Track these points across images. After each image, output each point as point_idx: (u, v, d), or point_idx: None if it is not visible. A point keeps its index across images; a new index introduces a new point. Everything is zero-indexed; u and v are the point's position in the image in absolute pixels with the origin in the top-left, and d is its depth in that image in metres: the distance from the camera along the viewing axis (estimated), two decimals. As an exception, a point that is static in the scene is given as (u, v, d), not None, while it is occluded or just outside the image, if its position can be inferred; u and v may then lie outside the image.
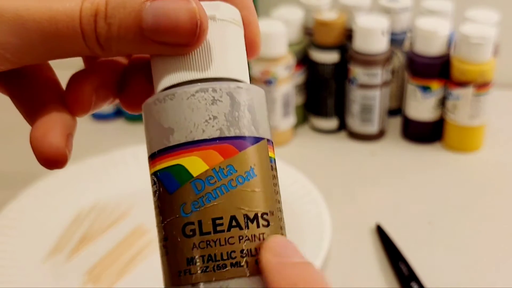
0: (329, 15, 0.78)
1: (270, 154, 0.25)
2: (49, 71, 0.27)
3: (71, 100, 0.26)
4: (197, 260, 0.23)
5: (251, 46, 0.27)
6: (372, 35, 0.74)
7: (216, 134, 0.23)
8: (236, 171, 0.24)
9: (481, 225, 0.66)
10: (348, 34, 0.79)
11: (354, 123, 0.80)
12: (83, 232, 0.66)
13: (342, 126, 0.83)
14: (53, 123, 0.26)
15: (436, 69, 0.74)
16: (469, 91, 0.73)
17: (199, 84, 0.24)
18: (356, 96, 0.78)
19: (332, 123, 0.83)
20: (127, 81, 0.27)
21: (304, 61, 0.81)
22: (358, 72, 0.76)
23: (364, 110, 0.78)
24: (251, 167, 0.24)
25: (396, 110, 0.86)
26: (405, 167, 0.76)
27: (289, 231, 0.68)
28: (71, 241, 0.65)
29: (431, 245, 0.63)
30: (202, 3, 0.24)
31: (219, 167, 0.23)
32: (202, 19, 0.23)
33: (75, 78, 0.26)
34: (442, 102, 0.77)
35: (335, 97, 0.81)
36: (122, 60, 0.27)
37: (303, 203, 0.66)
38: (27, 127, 0.90)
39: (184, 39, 0.23)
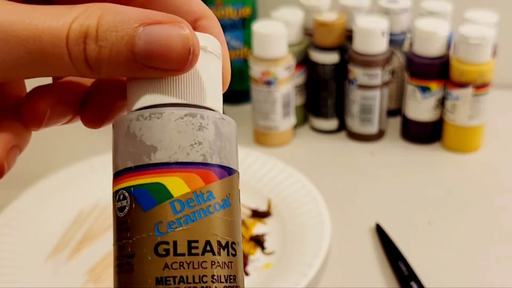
0: (329, 16, 0.78)
1: (239, 187, 0.26)
2: (15, 83, 0.27)
3: (24, 112, 0.26)
4: (168, 281, 0.23)
5: (226, 81, 0.27)
6: (372, 36, 0.75)
7: (200, 159, 0.24)
8: (215, 198, 0.24)
9: (480, 225, 0.66)
10: (348, 35, 0.79)
11: (354, 123, 0.80)
12: (84, 232, 0.66)
13: (342, 127, 0.84)
14: None
15: (436, 70, 0.75)
16: (468, 92, 0.73)
17: (187, 108, 0.24)
18: (356, 97, 0.78)
19: (332, 123, 0.83)
20: (90, 98, 0.27)
21: (304, 61, 0.81)
22: (358, 73, 0.76)
23: (363, 110, 0.79)
24: (227, 196, 0.24)
25: (395, 110, 0.86)
26: (405, 167, 0.77)
27: (289, 231, 0.69)
28: (72, 241, 0.65)
29: (430, 245, 0.64)
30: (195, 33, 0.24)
31: (200, 191, 0.23)
32: (195, 46, 0.23)
33: (34, 91, 0.26)
34: (442, 103, 0.77)
35: (335, 98, 0.81)
36: (87, 80, 0.27)
37: (303, 203, 0.67)
38: (29, 127, 0.87)
39: (176, 65, 0.23)
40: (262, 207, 0.68)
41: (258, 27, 0.76)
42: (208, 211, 0.23)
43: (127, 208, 0.24)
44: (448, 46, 0.76)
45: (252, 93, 0.79)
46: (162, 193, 0.23)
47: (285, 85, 0.77)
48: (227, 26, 0.86)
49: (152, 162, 0.23)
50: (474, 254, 0.62)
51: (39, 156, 0.81)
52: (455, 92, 0.74)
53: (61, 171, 0.73)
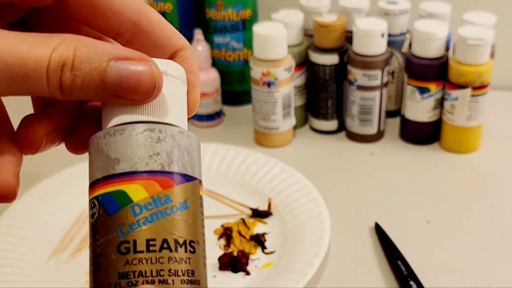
0: (328, 17, 0.79)
1: (201, 193, 0.28)
2: None
3: (22, 142, 0.28)
4: (129, 275, 0.26)
5: (192, 106, 0.30)
6: (371, 37, 0.75)
7: (158, 168, 0.26)
8: (172, 201, 0.26)
9: (479, 224, 0.67)
10: (348, 36, 0.79)
11: (354, 124, 0.81)
12: (85, 231, 0.66)
13: (342, 127, 0.84)
14: (5, 160, 0.27)
15: (434, 71, 0.75)
16: (467, 93, 0.74)
17: (147, 124, 0.27)
18: (356, 98, 0.79)
19: (332, 124, 0.84)
20: (75, 126, 0.29)
21: (304, 62, 0.82)
22: (357, 74, 0.77)
23: (363, 111, 0.79)
24: (185, 200, 0.27)
25: (395, 111, 0.86)
26: (404, 167, 0.77)
27: (290, 231, 0.69)
28: (74, 241, 0.65)
29: (429, 244, 0.64)
30: (157, 59, 0.27)
31: (158, 196, 0.26)
32: (159, 82, 0.26)
33: (28, 121, 0.28)
34: (440, 103, 0.78)
35: (335, 98, 0.82)
36: (72, 107, 0.29)
37: (303, 203, 0.67)
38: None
39: (142, 97, 0.26)
40: (263, 207, 0.69)
41: (259, 29, 0.76)
42: (166, 213, 0.26)
43: (96, 214, 0.27)
44: (447, 47, 0.76)
45: (252, 94, 0.79)
46: (124, 199, 0.26)
47: (285, 86, 0.77)
48: (228, 28, 0.86)
49: (116, 172, 0.26)
50: (472, 253, 0.63)
51: (40, 157, 0.82)
52: (454, 93, 0.75)
53: (63, 171, 0.73)
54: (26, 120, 0.28)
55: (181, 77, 0.29)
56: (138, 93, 0.26)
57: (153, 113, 0.27)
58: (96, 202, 0.27)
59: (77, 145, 0.29)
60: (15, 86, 0.24)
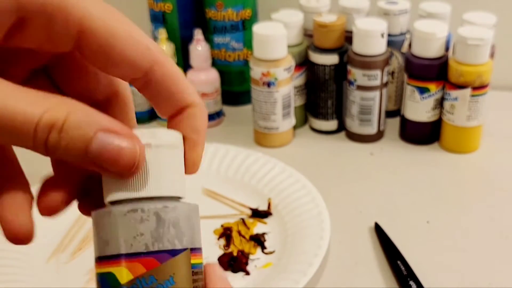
0: (328, 17, 0.79)
1: (194, 260, 0.30)
2: (4, 146, 0.30)
3: (43, 208, 0.29)
4: None
5: (193, 165, 0.31)
6: (371, 37, 0.75)
7: (142, 249, 0.28)
8: (156, 280, 0.28)
9: (479, 224, 0.67)
10: (348, 36, 0.80)
11: (353, 124, 0.81)
12: (85, 231, 0.66)
13: (342, 127, 0.84)
14: (21, 204, 0.29)
15: (434, 71, 0.75)
16: (466, 93, 0.74)
17: (130, 204, 0.28)
18: (355, 97, 0.79)
19: (332, 124, 0.84)
20: (87, 190, 0.31)
21: (304, 62, 0.82)
22: (357, 74, 0.77)
23: (363, 111, 0.79)
24: (170, 276, 0.28)
25: (395, 111, 0.86)
26: (404, 167, 0.77)
27: (289, 231, 0.69)
28: (74, 241, 0.65)
29: (429, 244, 0.64)
30: (144, 130, 0.28)
31: (142, 277, 0.28)
32: (140, 160, 0.27)
33: (48, 187, 0.30)
34: (440, 103, 0.78)
35: (335, 98, 0.82)
36: (86, 170, 0.30)
37: (303, 203, 0.67)
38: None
39: (119, 171, 0.27)
40: (263, 207, 0.69)
41: (259, 29, 0.76)
42: None
43: None
44: (447, 47, 0.76)
45: (252, 94, 0.79)
46: (113, 281, 0.28)
47: (285, 86, 0.77)
48: (228, 28, 0.86)
49: (106, 254, 0.28)
50: (472, 253, 0.63)
51: (40, 157, 0.82)
52: (454, 93, 0.75)
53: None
54: (46, 186, 0.30)
55: (171, 143, 0.30)
56: (117, 167, 0.27)
57: (136, 188, 0.28)
58: (97, 279, 0.29)
59: (88, 210, 0.31)
60: (1, 136, 0.26)
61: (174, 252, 0.28)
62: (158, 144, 0.29)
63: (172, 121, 0.30)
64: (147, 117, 0.88)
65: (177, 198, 0.30)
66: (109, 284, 0.28)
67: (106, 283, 0.28)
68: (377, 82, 0.77)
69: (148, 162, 0.28)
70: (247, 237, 0.65)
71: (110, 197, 0.29)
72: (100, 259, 0.29)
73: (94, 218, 0.29)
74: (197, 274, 0.30)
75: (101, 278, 0.29)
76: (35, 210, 0.29)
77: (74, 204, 0.66)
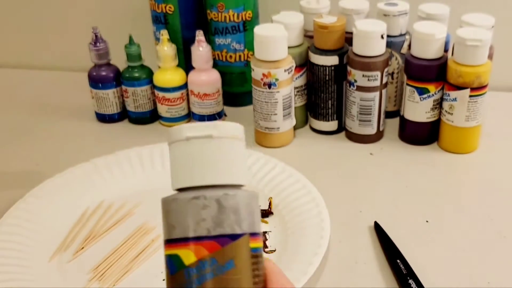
0: (328, 18, 0.79)
1: (253, 244, 0.31)
2: None
3: None
4: None
5: None
6: (371, 38, 0.75)
7: (204, 233, 0.30)
8: (218, 262, 0.30)
9: (477, 224, 0.67)
10: (348, 37, 0.80)
11: (353, 124, 0.81)
12: (88, 230, 0.67)
13: (342, 128, 0.84)
14: None
15: (433, 72, 0.75)
16: (465, 93, 0.74)
17: (194, 191, 0.30)
18: (355, 98, 0.79)
19: (332, 124, 0.84)
20: None
21: (304, 63, 0.82)
22: (357, 75, 0.77)
23: (363, 111, 0.79)
24: (231, 259, 0.30)
25: (394, 111, 0.87)
26: (403, 167, 0.77)
27: (290, 230, 0.69)
28: (76, 239, 0.66)
29: (428, 243, 0.64)
30: (205, 122, 0.30)
31: (205, 259, 0.30)
32: None
33: None
34: (439, 104, 0.78)
35: (335, 99, 0.82)
36: None
37: (303, 202, 0.68)
38: (34, 129, 0.92)
39: None
40: (263, 206, 0.69)
41: (259, 30, 0.76)
42: (212, 274, 0.30)
43: (165, 270, 0.31)
44: (446, 48, 0.77)
45: (253, 94, 0.80)
46: (179, 262, 0.30)
47: (285, 86, 0.78)
48: (229, 29, 0.87)
49: (172, 237, 0.31)
50: (471, 252, 0.63)
51: (44, 157, 0.82)
52: (453, 93, 0.75)
53: (65, 171, 0.74)
54: None
55: (232, 134, 0.31)
56: None
57: (202, 177, 0.30)
58: (165, 260, 0.31)
59: None
60: None
61: (234, 237, 0.30)
62: (220, 136, 0.31)
63: None
64: (148, 117, 0.89)
65: (238, 186, 0.32)
66: (174, 264, 0.30)
67: (172, 264, 0.30)
68: (377, 83, 0.77)
69: (211, 152, 0.31)
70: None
71: (176, 184, 0.31)
72: (168, 242, 0.31)
73: (163, 204, 0.31)
74: (257, 257, 0.31)
75: (168, 259, 0.31)
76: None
77: (75, 203, 0.67)
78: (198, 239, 0.30)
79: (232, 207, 0.30)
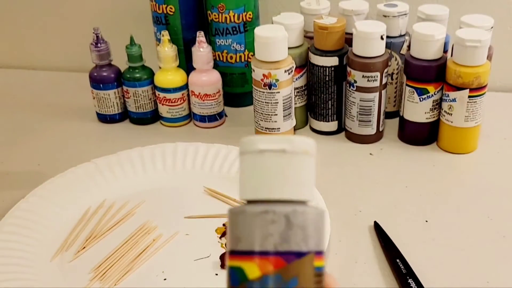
0: (328, 19, 0.79)
1: (317, 263, 0.31)
2: None
3: None
4: None
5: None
6: (371, 39, 0.76)
7: (271, 248, 0.29)
8: (282, 279, 0.29)
9: (477, 223, 0.67)
10: (347, 38, 0.80)
11: (353, 125, 0.82)
12: (89, 230, 0.67)
13: (341, 128, 0.85)
14: None
15: (433, 72, 0.76)
16: (464, 94, 0.74)
17: (263, 205, 0.30)
18: (355, 99, 0.79)
19: (332, 125, 0.84)
20: None
21: (304, 64, 0.82)
22: (357, 75, 0.77)
23: (362, 112, 0.80)
24: (295, 276, 0.29)
25: (394, 112, 0.87)
26: (403, 168, 0.77)
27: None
28: (78, 239, 0.66)
29: (428, 243, 0.64)
30: (277, 137, 0.30)
31: (269, 275, 0.29)
32: None
33: None
34: (439, 104, 0.78)
35: (335, 100, 0.82)
36: None
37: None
38: (36, 129, 0.93)
39: None
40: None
41: (260, 31, 0.77)
42: None
43: (227, 281, 0.31)
44: (445, 49, 0.77)
45: (253, 95, 0.80)
46: (242, 275, 0.29)
47: (286, 87, 0.78)
48: (229, 30, 0.87)
49: (237, 249, 0.30)
50: (470, 251, 0.63)
51: (45, 157, 0.82)
52: (452, 94, 0.75)
53: (67, 171, 0.74)
54: None
55: (304, 150, 0.31)
56: None
57: (272, 190, 0.30)
58: (228, 271, 0.31)
59: None
60: None
61: (300, 254, 0.30)
62: (293, 151, 0.31)
63: None
64: (149, 117, 0.89)
65: (305, 202, 0.31)
66: (237, 277, 0.30)
67: (235, 276, 0.30)
68: (376, 84, 0.78)
69: (283, 166, 0.30)
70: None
71: (245, 195, 0.31)
72: (232, 253, 0.30)
73: (230, 215, 0.31)
74: (319, 276, 0.31)
75: (231, 271, 0.30)
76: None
77: (76, 203, 0.67)
78: (264, 253, 0.29)
79: (300, 224, 0.30)
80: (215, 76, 0.85)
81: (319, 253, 0.31)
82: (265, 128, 0.81)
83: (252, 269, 0.29)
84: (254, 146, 0.31)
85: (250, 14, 0.87)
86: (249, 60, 0.89)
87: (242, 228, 0.30)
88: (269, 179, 0.30)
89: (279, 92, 0.78)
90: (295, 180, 0.31)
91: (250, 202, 0.31)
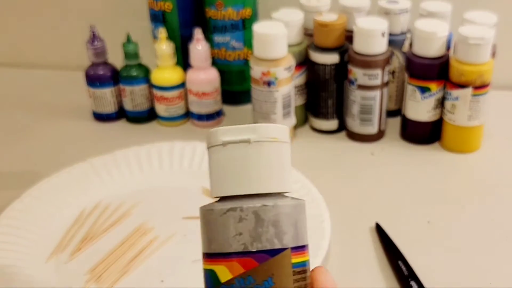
0: (329, 16, 0.79)
1: (296, 259, 0.29)
2: None
3: None
4: None
5: None
6: (372, 36, 0.75)
7: (240, 249, 0.28)
8: (255, 280, 0.28)
9: (480, 224, 0.67)
10: (348, 36, 0.80)
11: (354, 123, 0.81)
12: (85, 231, 0.66)
13: (342, 127, 0.84)
14: None
15: (435, 70, 0.75)
16: (467, 92, 0.74)
17: (231, 202, 0.28)
18: (356, 97, 0.79)
19: (332, 123, 0.84)
20: None
21: (304, 62, 0.82)
22: (358, 73, 0.77)
23: (363, 110, 0.79)
24: (269, 277, 0.28)
25: (395, 110, 0.86)
26: (404, 167, 0.77)
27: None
28: (74, 240, 0.65)
29: (430, 244, 0.64)
30: (240, 126, 0.28)
31: (241, 277, 0.28)
32: None
33: None
34: (441, 103, 0.78)
35: (335, 98, 0.82)
36: None
37: (303, 202, 0.67)
38: (31, 129, 0.92)
39: None
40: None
41: (259, 28, 0.76)
42: None
43: (204, 284, 0.30)
44: (448, 47, 0.76)
45: (252, 93, 0.79)
46: (214, 278, 0.28)
47: (285, 85, 0.77)
48: (228, 27, 0.86)
49: (209, 251, 0.29)
50: (473, 253, 0.63)
51: (41, 156, 0.82)
52: (455, 92, 0.75)
53: (62, 171, 0.73)
54: None
55: (272, 137, 0.29)
56: None
57: (239, 186, 0.28)
58: (203, 274, 0.30)
59: None
60: None
61: (273, 252, 0.28)
62: (258, 140, 0.29)
63: None
64: (146, 116, 0.88)
65: (279, 194, 0.29)
66: (211, 281, 0.29)
67: (209, 279, 0.29)
68: (377, 82, 0.77)
69: (248, 158, 0.28)
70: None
71: (213, 193, 0.30)
72: (205, 256, 0.29)
73: (201, 214, 0.30)
74: (300, 273, 0.29)
75: (205, 274, 0.29)
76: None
77: (72, 203, 0.66)
78: (234, 254, 0.28)
79: (271, 219, 0.28)
80: (213, 74, 0.85)
81: (297, 248, 0.29)
82: (264, 127, 0.80)
83: (223, 272, 0.28)
84: (217, 138, 0.29)
85: (249, 11, 0.86)
86: (248, 58, 0.89)
87: (212, 228, 0.29)
88: (234, 173, 0.29)
89: (278, 91, 0.77)
90: (263, 172, 0.29)
91: (221, 199, 0.29)
